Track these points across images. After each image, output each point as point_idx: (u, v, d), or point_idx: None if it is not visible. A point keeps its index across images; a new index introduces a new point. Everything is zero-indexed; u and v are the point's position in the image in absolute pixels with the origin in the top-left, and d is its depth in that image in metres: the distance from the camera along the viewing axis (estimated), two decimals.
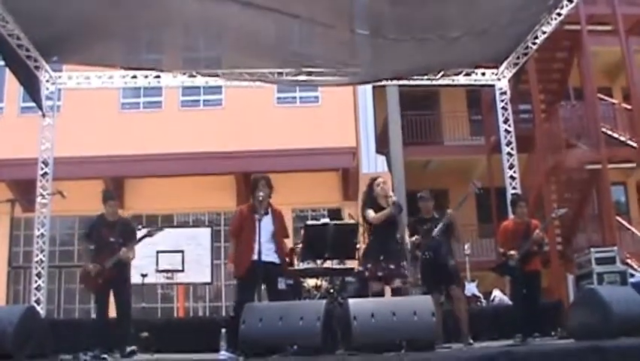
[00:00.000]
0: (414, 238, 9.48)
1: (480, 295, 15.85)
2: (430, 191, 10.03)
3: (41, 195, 12.32)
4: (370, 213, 9.17)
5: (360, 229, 9.78)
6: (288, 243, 9.96)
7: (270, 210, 8.93)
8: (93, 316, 9.83)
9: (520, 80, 13.79)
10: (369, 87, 19.71)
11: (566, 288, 17.34)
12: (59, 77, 12.93)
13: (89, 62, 12.52)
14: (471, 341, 9.19)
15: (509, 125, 13.07)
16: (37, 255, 12.15)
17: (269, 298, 8.66)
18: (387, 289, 9.24)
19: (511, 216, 11.22)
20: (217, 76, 12.86)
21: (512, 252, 9.98)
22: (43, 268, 12.08)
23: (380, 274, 8.86)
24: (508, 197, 12.46)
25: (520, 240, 10.05)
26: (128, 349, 9.17)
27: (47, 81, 12.61)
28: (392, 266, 8.67)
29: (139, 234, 9.79)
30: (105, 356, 8.54)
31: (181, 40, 11.55)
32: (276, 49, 11.81)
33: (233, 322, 7.85)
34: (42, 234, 12.19)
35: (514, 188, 12.77)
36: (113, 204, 9.80)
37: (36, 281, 12.03)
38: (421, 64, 12.42)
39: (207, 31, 11.39)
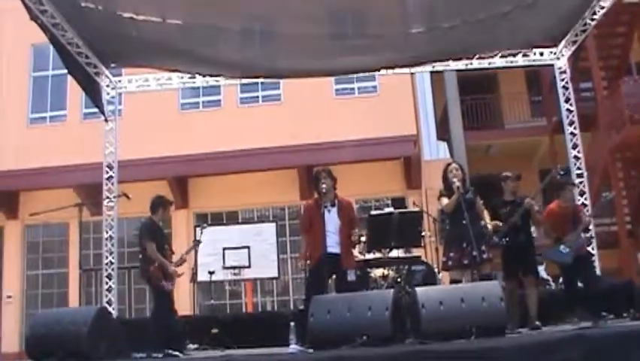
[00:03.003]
0: (493, 223, 9.33)
1: (548, 278, 15.66)
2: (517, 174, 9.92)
3: (107, 198, 12.51)
4: (443, 201, 9.09)
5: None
6: None
7: (336, 201, 8.86)
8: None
9: (580, 58, 13.55)
10: (427, 74, 19.60)
11: (636, 267, 17.04)
12: (119, 81, 13.10)
13: (147, 66, 12.70)
14: (538, 324, 9.12)
15: (571, 105, 12.85)
16: (107, 257, 12.35)
17: (336, 290, 8.64)
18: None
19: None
20: (274, 73, 12.96)
21: (569, 236, 9.79)
22: (113, 269, 12.27)
23: (466, 262, 8.70)
24: (573, 178, 12.26)
25: (570, 224, 9.84)
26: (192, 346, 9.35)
27: (108, 86, 12.79)
28: (476, 253, 8.51)
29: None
30: (178, 353, 8.63)
31: (237, 39, 11.59)
32: (329, 42, 11.80)
33: (301, 315, 7.88)
34: (110, 236, 12.38)
35: (578, 168, 12.54)
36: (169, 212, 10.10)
37: (107, 283, 12.23)
38: (476, 46, 12.29)
39: (261, 34, 11.46)
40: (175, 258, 9.87)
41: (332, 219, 8.63)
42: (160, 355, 8.37)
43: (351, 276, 8.61)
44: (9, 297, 19.95)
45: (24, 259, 20.61)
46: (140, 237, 9.70)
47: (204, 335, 10.47)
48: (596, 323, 8.97)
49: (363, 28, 11.50)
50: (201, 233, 11.35)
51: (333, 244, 8.50)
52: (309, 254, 8.88)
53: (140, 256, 9.69)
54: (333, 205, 8.73)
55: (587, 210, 11.45)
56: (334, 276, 8.71)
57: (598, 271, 11.57)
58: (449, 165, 9.36)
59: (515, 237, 9.44)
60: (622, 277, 15.67)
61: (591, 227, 10.96)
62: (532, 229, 10.14)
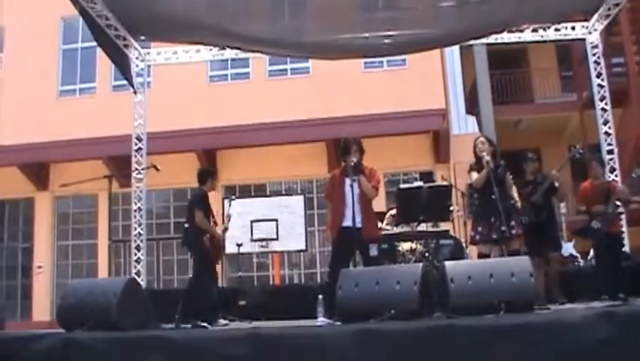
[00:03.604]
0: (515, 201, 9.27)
1: (577, 254, 15.61)
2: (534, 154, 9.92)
3: (136, 170, 12.59)
4: (473, 175, 9.05)
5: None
6: (381, 207, 9.89)
7: (361, 172, 8.73)
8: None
9: (612, 33, 13.41)
10: (456, 48, 19.47)
11: None
12: (148, 53, 13.12)
13: (176, 41, 12.71)
14: (563, 300, 9.12)
15: (602, 80, 12.70)
16: (136, 228, 12.44)
17: (363, 264, 8.64)
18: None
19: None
20: (302, 50, 12.92)
21: (598, 207, 9.76)
22: (142, 241, 12.37)
23: (494, 236, 8.69)
24: (604, 154, 12.17)
25: (602, 201, 9.81)
26: (222, 322, 9.42)
27: (137, 58, 12.81)
28: (504, 228, 8.47)
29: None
30: (206, 324, 8.68)
31: (266, 8, 11.55)
32: (359, 14, 11.72)
33: (329, 288, 7.89)
34: (139, 208, 12.47)
35: (609, 144, 12.41)
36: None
37: (135, 254, 12.33)
38: (507, 19, 12.16)
39: (291, 2, 11.39)
40: (219, 229, 9.99)
41: (355, 190, 8.56)
42: (189, 326, 8.43)
43: (372, 251, 8.56)
44: (39, 267, 20.17)
45: (54, 230, 20.82)
46: (190, 206, 9.75)
47: (232, 308, 10.53)
48: (625, 300, 8.93)
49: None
50: (229, 206, 11.38)
51: (355, 215, 8.44)
52: (331, 225, 8.88)
53: (186, 226, 9.75)
54: (357, 174, 8.65)
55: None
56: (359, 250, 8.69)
57: (627, 249, 11.51)
58: (478, 138, 9.31)
59: (537, 215, 9.42)
60: None
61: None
62: (560, 205, 10.14)
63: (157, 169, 11.13)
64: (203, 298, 9.43)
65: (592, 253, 13.01)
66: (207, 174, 10.19)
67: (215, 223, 9.95)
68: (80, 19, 11.42)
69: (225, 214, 11.07)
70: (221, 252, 9.74)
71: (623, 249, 10.93)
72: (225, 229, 10.26)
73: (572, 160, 10.30)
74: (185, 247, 9.89)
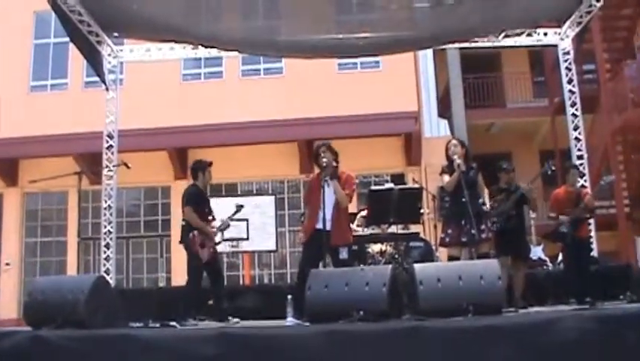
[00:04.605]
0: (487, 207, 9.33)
1: (546, 258, 15.73)
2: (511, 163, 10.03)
3: (107, 167, 12.52)
4: (444, 178, 9.04)
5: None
6: (352, 208, 9.89)
7: (337, 176, 8.73)
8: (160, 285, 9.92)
9: (584, 40, 13.49)
10: (429, 51, 19.60)
11: (634, 250, 17.09)
12: (121, 50, 13.07)
13: (148, 37, 12.65)
14: (524, 304, 9.22)
15: (574, 86, 12.84)
16: (105, 226, 12.39)
17: (333, 266, 8.65)
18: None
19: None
20: (276, 49, 12.90)
21: (563, 217, 9.99)
22: (111, 239, 12.31)
23: (464, 239, 8.68)
24: (574, 159, 12.30)
25: (572, 207, 10.09)
26: (233, 320, 9.38)
27: (109, 55, 12.76)
28: (474, 231, 8.50)
29: (230, 209, 9.99)
30: (175, 323, 8.63)
31: (240, 7, 11.54)
32: (335, 16, 11.74)
33: (298, 288, 7.89)
34: (109, 205, 12.41)
35: (579, 150, 12.55)
36: (210, 173, 9.98)
37: (105, 252, 12.27)
38: (481, 24, 12.24)
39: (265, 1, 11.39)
40: (216, 223, 9.85)
41: (330, 195, 8.58)
42: (157, 325, 8.39)
43: (342, 254, 8.54)
44: (7, 264, 19.96)
45: (23, 226, 20.60)
46: (181, 203, 9.70)
47: (202, 307, 10.48)
48: (592, 304, 9.03)
49: None
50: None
51: (328, 220, 8.47)
52: (305, 228, 8.92)
53: (183, 223, 9.67)
54: (332, 179, 8.69)
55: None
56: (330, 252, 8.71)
57: (595, 254, 11.67)
58: (450, 140, 9.34)
59: (507, 221, 9.52)
60: (619, 260, 15.71)
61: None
62: (531, 213, 10.29)
63: (128, 167, 11.07)
64: (187, 296, 9.52)
65: (560, 257, 13.12)
66: (197, 168, 9.97)
67: (213, 218, 9.83)
68: (53, 13, 11.33)
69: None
70: (214, 250, 9.59)
71: (591, 253, 11.13)
72: (226, 225, 10.03)
73: (544, 174, 10.46)
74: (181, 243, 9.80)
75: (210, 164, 10.02)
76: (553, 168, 10.08)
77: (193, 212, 9.47)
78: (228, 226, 10.02)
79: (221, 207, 10.23)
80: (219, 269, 10.01)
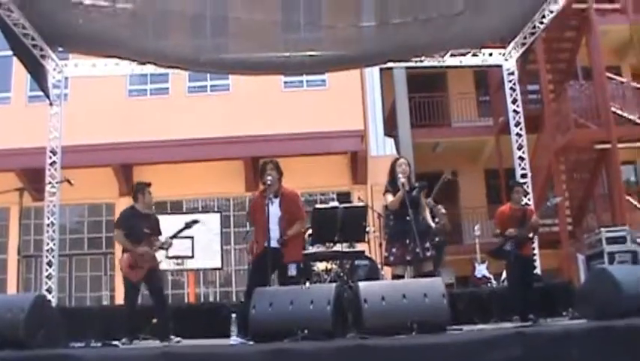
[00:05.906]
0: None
1: (490, 276, 15.87)
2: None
3: (50, 183, 12.35)
4: (388, 197, 9.05)
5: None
6: None
7: (280, 193, 8.79)
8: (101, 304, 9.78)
9: (528, 60, 13.73)
10: (376, 70, 19.69)
11: (576, 268, 17.30)
12: (65, 65, 12.92)
13: (94, 53, 12.53)
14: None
15: (518, 106, 13.03)
16: (48, 243, 12.21)
17: (279, 284, 8.63)
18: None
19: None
20: (222, 66, 12.90)
21: (510, 231, 10.14)
22: (53, 256, 12.13)
23: (408, 258, 8.68)
24: (518, 178, 12.47)
25: (517, 225, 10.20)
26: (175, 339, 9.26)
27: (54, 70, 12.61)
28: (419, 250, 8.51)
29: (177, 226, 9.90)
30: (117, 343, 8.54)
31: (188, 25, 11.52)
32: (282, 34, 11.77)
33: (243, 307, 7.85)
34: (52, 222, 12.23)
35: (523, 169, 12.72)
36: (150, 194, 9.96)
37: (47, 270, 12.09)
38: (426, 44, 12.36)
39: (213, 19, 11.37)
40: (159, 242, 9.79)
41: (275, 212, 8.60)
42: (99, 344, 8.28)
43: (291, 271, 8.55)
44: None
45: None
46: None
47: (145, 326, 10.36)
48: (536, 321, 9.12)
49: (315, 17, 11.47)
50: None
51: (275, 237, 8.47)
52: (251, 246, 8.90)
53: None
54: (276, 197, 8.68)
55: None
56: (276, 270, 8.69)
57: (539, 271, 11.82)
58: (397, 159, 9.35)
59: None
60: (562, 277, 15.90)
61: None
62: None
63: (71, 183, 10.94)
64: (123, 316, 9.43)
65: (504, 274, 13.25)
66: (137, 190, 10.07)
67: (154, 238, 9.75)
68: None
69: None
70: (142, 271, 9.50)
71: (535, 271, 11.29)
72: (168, 244, 9.92)
73: (443, 183, 10.94)
74: None
75: (149, 185, 10.01)
76: (449, 177, 10.58)
77: (122, 235, 9.49)
78: (171, 244, 9.96)
79: (170, 223, 10.15)
80: (160, 288, 9.92)
